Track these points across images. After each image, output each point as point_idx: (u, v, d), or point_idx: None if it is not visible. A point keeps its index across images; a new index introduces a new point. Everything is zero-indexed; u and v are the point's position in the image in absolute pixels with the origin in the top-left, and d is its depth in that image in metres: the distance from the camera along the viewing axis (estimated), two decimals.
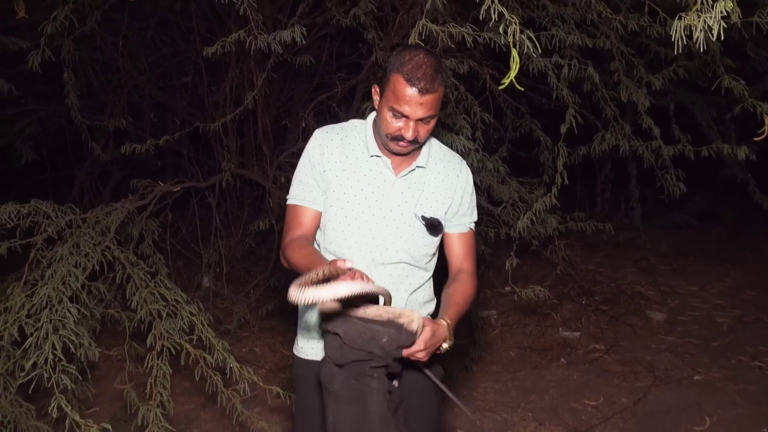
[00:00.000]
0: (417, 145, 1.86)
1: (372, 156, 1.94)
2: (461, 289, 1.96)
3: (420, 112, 1.76)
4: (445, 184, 1.99)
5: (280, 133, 5.50)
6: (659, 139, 3.48)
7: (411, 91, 1.73)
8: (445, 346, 1.79)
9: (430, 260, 2.03)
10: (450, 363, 4.09)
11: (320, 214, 1.98)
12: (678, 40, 1.59)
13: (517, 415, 3.48)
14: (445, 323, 1.79)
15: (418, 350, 1.67)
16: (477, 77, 3.71)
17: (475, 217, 2.04)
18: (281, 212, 5.07)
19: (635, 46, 3.68)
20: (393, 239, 1.92)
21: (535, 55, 2.83)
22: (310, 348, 2.11)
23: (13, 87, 3.48)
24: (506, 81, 1.92)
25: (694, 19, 1.52)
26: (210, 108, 5.26)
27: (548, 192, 3.23)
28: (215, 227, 4.80)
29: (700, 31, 1.51)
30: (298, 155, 4.59)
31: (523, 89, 2.02)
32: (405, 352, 1.66)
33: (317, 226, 2.01)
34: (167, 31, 5.29)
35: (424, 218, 1.93)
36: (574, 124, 3.22)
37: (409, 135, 1.79)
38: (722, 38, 1.46)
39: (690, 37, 1.55)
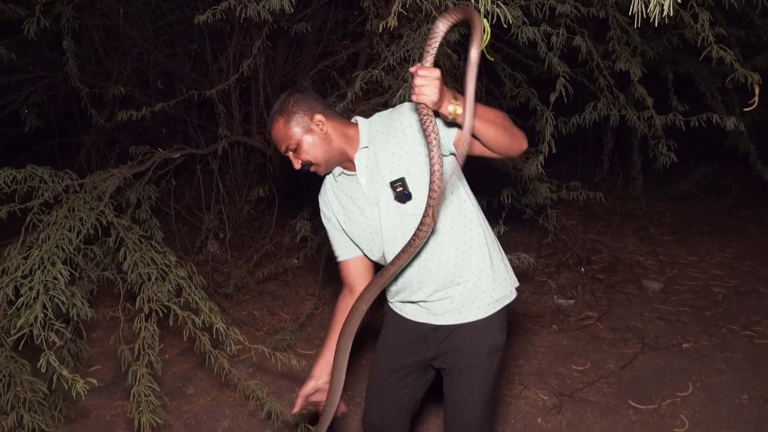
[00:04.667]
0: (313, 164, 1.99)
1: (339, 176, 2.08)
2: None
3: (283, 147, 2.00)
4: (392, 137, 1.96)
5: None
6: (652, 109, 3.45)
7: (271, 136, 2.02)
8: (450, 110, 1.64)
9: (459, 217, 2.00)
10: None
11: (359, 255, 2.16)
12: (638, 13, 1.60)
13: (504, 378, 3.54)
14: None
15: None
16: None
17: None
18: (282, 180, 5.13)
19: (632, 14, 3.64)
20: (410, 228, 1.91)
21: (514, 24, 2.84)
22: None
23: (18, 54, 3.54)
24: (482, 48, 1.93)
25: None
26: (214, 75, 5.30)
27: (541, 160, 3.24)
28: (218, 193, 4.87)
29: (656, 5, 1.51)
30: None
31: (492, 59, 2.02)
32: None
33: (362, 267, 2.19)
34: None
35: (391, 185, 1.95)
36: (564, 93, 3.22)
37: (296, 166, 2.01)
38: (671, 14, 1.46)
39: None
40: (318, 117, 1.95)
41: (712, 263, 5.38)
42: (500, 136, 1.82)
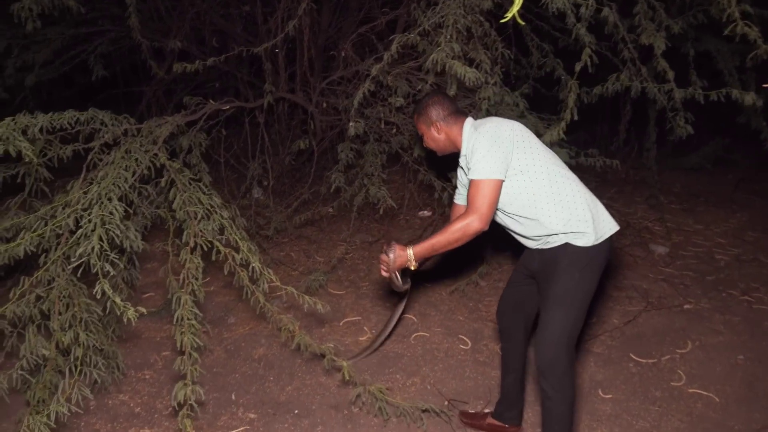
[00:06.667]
0: (432, 149, 2.49)
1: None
2: (446, 227, 2.19)
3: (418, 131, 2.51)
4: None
5: (328, 63, 5.40)
6: (672, 82, 3.26)
7: None
8: (411, 267, 2.32)
9: (503, 211, 2.26)
10: (459, 277, 4.10)
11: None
12: None
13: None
14: (407, 251, 2.29)
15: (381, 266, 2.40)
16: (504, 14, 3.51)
17: (473, 174, 2.15)
18: (322, 134, 5.04)
19: None
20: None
21: None
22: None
23: (87, 9, 3.48)
24: (508, 15, 1.79)
25: None
26: (263, 35, 5.18)
27: (563, 127, 3.09)
28: (263, 144, 4.81)
29: None
30: (339, 83, 4.50)
31: (524, 23, 1.89)
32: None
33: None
34: None
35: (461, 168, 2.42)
36: (589, 64, 3.05)
37: (424, 146, 2.54)
38: None
39: None
40: (439, 124, 2.36)
41: (716, 232, 5.18)
42: (452, 248, 2.22)
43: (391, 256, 2.32)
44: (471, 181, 2.14)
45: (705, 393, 2.96)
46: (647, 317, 3.64)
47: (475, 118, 3.26)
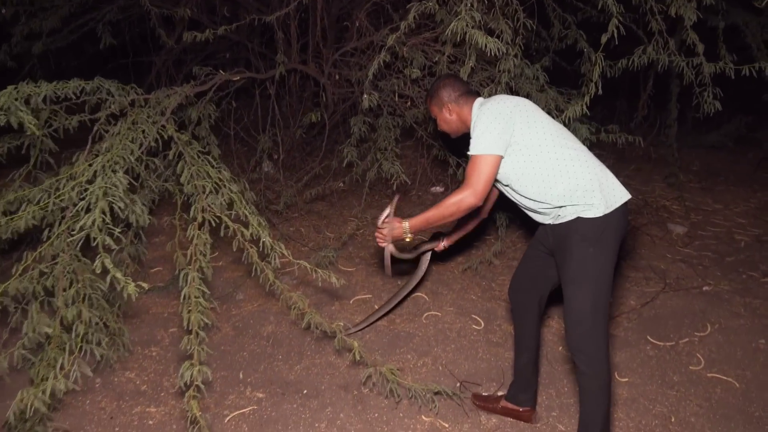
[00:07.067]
0: (446, 132, 2.49)
1: None
2: (441, 201, 2.19)
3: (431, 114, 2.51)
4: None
5: (342, 34, 5.24)
6: (702, 56, 3.10)
7: None
8: (406, 239, 2.37)
9: (511, 188, 2.25)
10: (474, 255, 4.00)
11: None
12: None
13: None
14: (404, 223, 2.33)
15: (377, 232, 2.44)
16: None
17: (471, 150, 2.15)
18: (334, 107, 4.92)
19: None
20: None
21: None
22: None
23: None
24: None
25: None
26: (275, 4, 5.02)
27: (586, 101, 2.96)
28: (273, 117, 4.70)
29: None
30: (353, 54, 4.36)
31: None
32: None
33: None
34: None
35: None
36: (615, 35, 2.89)
37: (439, 129, 2.53)
38: None
39: None
40: (451, 105, 2.36)
41: (736, 212, 5.04)
42: (446, 222, 2.27)
43: (387, 227, 2.38)
44: (470, 157, 2.15)
45: (724, 378, 2.87)
46: (665, 299, 3.54)
47: (494, 92, 3.14)
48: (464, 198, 2.12)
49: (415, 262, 2.96)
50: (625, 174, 5.58)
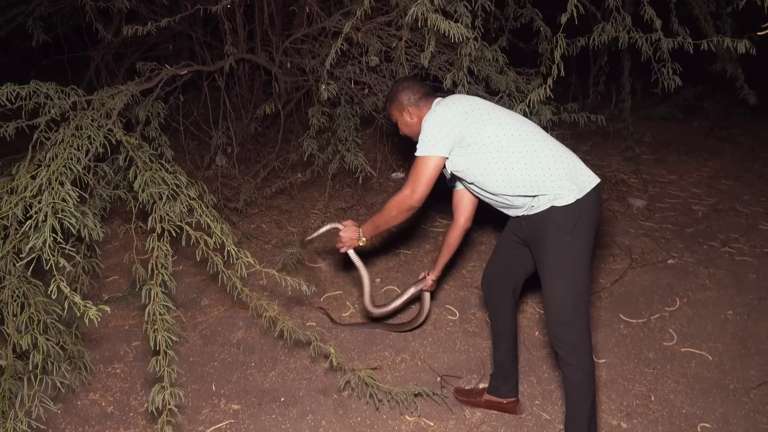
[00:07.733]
0: (408, 135, 2.42)
1: None
2: (385, 204, 2.26)
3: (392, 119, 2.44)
4: None
5: (291, 20, 5.05)
6: (660, 32, 3.09)
7: None
8: (360, 243, 2.45)
9: (474, 186, 2.23)
10: (441, 242, 3.93)
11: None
12: None
13: None
14: (355, 227, 2.44)
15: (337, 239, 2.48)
16: None
17: (417, 151, 2.16)
18: (287, 96, 4.75)
19: None
20: None
21: None
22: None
23: None
24: None
25: None
26: None
27: (544, 83, 2.90)
28: (225, 110, 4.50)
29: None
30: (304, 41, 4.19)
31: None
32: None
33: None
34: None
35: None
36: (575, 15, 2.84)
37: (401, 133, 2.46)
38: None
39: None
40: (411, 109, 2.30)
41: (690, 182, 5.14)
42: (392, 225, 2.35)
43: (345, 233, 2.45)
44: (415, 158, 2.16)
45: (698, 351, 2.91)
46: (633, 275, 3.57)
47: (456, 77, 3.05)
48: (403, 199, 2.17)
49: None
50: (584, 150, 5.62)
